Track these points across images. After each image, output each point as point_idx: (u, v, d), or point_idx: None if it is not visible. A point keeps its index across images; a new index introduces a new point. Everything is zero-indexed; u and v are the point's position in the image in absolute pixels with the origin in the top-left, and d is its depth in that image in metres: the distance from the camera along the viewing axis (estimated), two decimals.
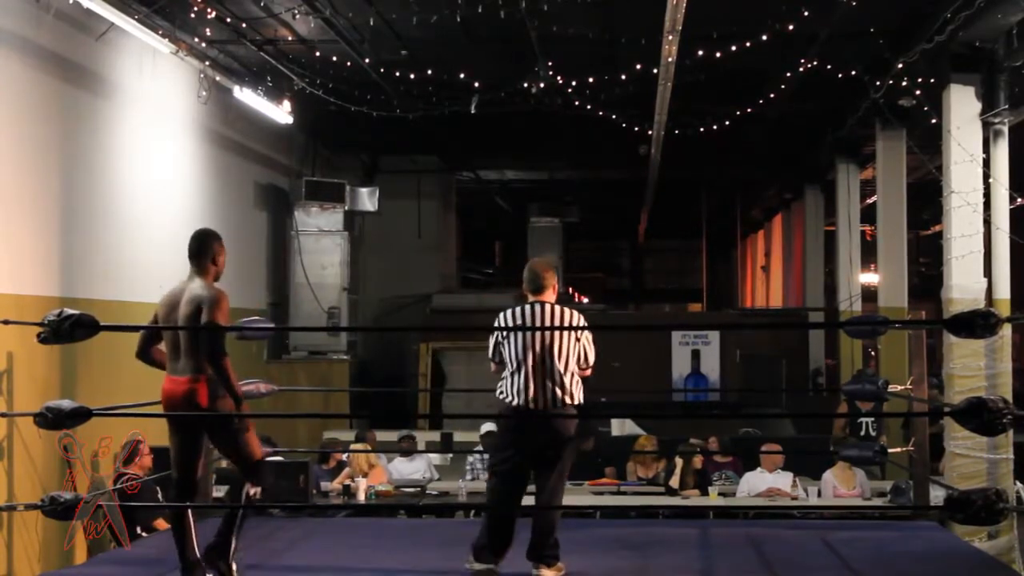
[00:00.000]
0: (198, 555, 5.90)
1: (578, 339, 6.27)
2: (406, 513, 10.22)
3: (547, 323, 6.26)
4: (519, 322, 6.28)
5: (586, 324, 6.31)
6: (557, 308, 6.32)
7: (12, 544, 8.27)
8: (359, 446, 11.21)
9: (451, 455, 12.83)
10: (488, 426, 11.49)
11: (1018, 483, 10.33)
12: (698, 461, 11.01)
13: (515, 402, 6.22)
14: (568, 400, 6.23)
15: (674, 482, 10.78)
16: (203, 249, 6.01)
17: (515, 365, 6.23)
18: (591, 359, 6.33)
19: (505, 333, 6.28)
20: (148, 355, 6.10)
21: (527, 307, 6.33)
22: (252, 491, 5.98)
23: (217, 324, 5.80)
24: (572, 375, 6.25)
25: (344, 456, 11.27)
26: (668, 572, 6.60)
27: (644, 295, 33.43)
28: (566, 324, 6.24)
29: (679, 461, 10.91)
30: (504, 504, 6.28)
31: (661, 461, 11.32)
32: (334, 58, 12.32)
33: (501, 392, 6.33)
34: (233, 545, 5.96)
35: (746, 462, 11.37)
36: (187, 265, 6.03)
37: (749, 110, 13.67)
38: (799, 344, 17.75)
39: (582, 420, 6.40)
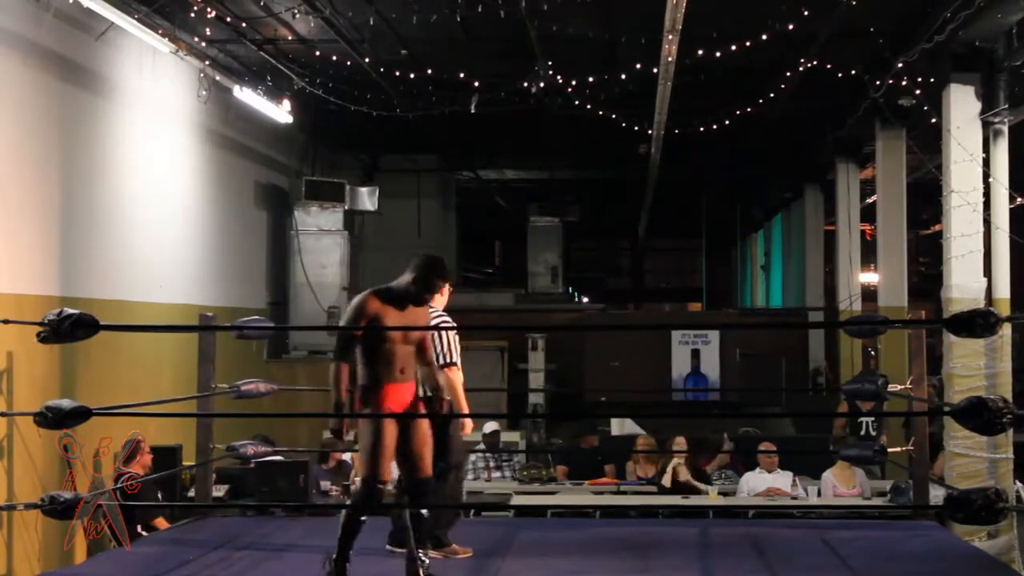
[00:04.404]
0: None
1: (439, 336, 6.73)
2: None
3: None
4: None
5: (442, 324, 6.77)
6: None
7: (12, 544, 8.27)
8: None
9: None
10: (491, 425, 11.48)
11: (1018, 483, 10.33)
12: (686, 463, 11.04)
13: None
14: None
15: (666, 480, 10.79)
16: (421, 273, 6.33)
17: None
18: (444, 357, 6.78)
19: None
20: None
21: None
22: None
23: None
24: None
25: (344, 456, 11.25)
26: (668, 572, 6.60)
27: (644, 295, 33.39)
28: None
29: (673, 459, 10.93)
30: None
31: (661, 461, 11.32)
32: (334, 58, 12.32)
33: None
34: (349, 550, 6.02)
35: (746, 462, 11.37)
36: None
37: (749, 110, 13.66)
38: (799, 344, 17.75)
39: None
